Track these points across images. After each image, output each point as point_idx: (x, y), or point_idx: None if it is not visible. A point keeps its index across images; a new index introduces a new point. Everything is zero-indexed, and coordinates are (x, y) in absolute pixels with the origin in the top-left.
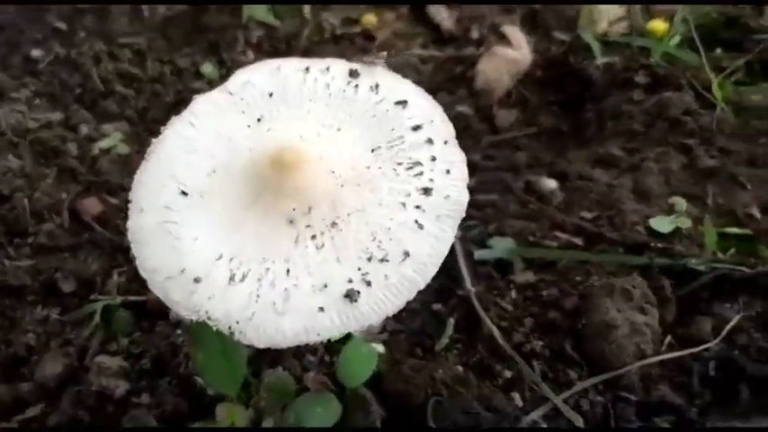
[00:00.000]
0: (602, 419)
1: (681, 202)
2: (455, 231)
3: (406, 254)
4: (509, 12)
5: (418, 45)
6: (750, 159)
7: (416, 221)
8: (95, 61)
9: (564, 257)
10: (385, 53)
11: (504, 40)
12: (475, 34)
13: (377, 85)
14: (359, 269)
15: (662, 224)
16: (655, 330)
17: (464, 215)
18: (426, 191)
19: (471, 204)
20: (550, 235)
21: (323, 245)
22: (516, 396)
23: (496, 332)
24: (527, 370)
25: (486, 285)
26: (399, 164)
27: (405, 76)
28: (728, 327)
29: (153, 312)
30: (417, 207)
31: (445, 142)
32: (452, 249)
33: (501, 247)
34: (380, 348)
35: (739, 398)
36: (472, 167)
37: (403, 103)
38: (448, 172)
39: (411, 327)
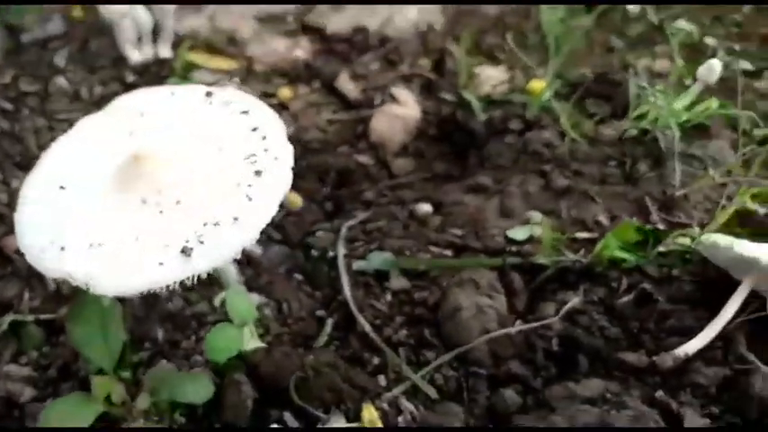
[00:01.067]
0: (456, 391)
1: (536, 215)
2: (279, 202)
3: (236, 219)
4: (408, 80)
5: (329, 111)
6: (601, 178)
7: (247, 196)
8: (35, 133)
9: (433, 265)
10: (237, 79)
11: (394, 100)
12: (377, 101)
13: (227, 101)
14: (195, 232)
15: (518, 233)
16: (500, 312)
17: (288, 191)
18: (258, 173)
19: (361, 231)
20: (425, 249)
21: (168, 217)
22: (381, 377)
23: (368, 328)
24: (392, 355)
25: (365, 291)
26: (239, 155)
27: (312, 135)
28: (567, 307)
29: (63, 328)
30: (249, 186)
31: (276, 139)
32: (336, 264)
33: (379, 259)
34: (257, 342)
35: (578, 368)
36: (367, 204)
37: (246, 112)
38: (276, 159)
39: (294, 329)
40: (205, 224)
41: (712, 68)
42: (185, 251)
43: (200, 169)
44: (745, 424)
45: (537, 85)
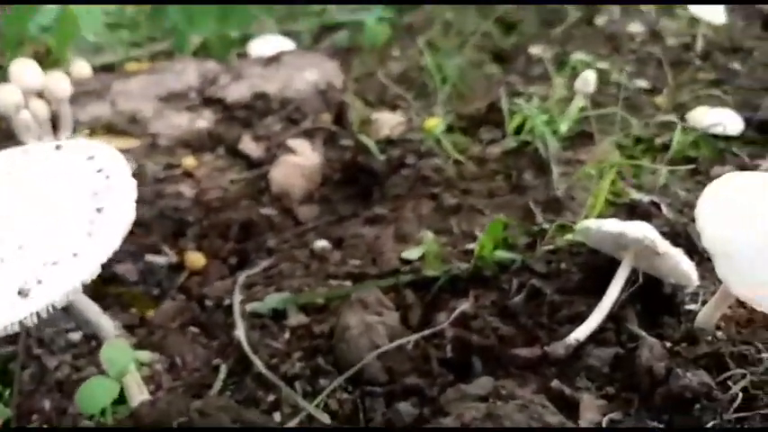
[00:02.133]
0: (352, 413)
1: (428, 235)
2: (122, 235)
3: (75, 255)
4: (311, 134)
5: (233, 173)
6: (489, 193)
7: (88, 232)
8: None
9: (330, 296)
10: (88, 131)
11: (291, 151)
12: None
13: (75, 150)
14: (34, 272)
15: (412, 253)
16: (391, 327)
17: (130, 228)
18: (99, 210)
19: (262, 276)
20: (324, 284)
21: (9, 264)
22: (277, 414)
23: (262, 366)
24: (287, 390)
25: (261, 333)
26: (84, 196)
27: (214, 195)
28: (456, 312)
29: None
30: (91, 222)
31: (118, 178)
32: (231, 311)
33: (275, 299)
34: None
35: (473, 370)
36: (270, 251)
37: (92, 157)
38: (117, 196)
39: (188, 381)
40: (44, 264)
41: (587, 80)
42: (22, 292)
43: (44, 214)
44: (640, 397)
45: (432, 122)
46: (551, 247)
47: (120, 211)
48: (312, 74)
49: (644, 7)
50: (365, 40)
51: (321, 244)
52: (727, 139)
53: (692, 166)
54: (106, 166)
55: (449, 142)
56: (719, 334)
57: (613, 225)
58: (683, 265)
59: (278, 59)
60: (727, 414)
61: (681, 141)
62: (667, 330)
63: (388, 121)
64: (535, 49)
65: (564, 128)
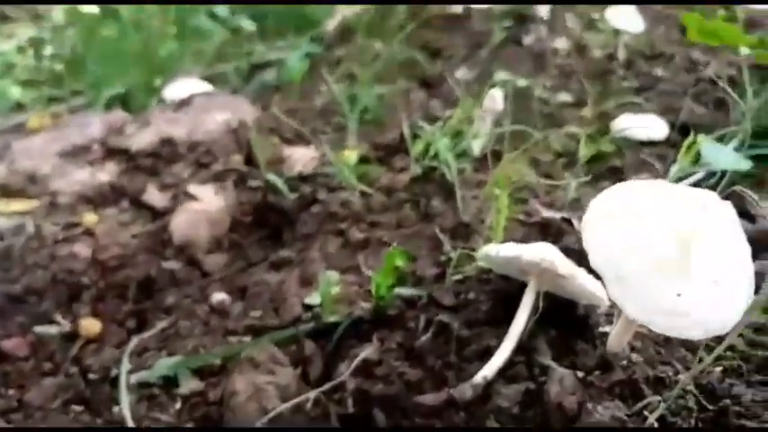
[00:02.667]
0: None
1: (330, 276)
2: None
3: None
4: (222, 178)
5: (137, 226)
6: (398, 223)
7: None
8: None
9: (225, 356)
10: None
11: (192, 198)
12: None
13: None
14: None
15: (315, 298)
16: (283, 387)
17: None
18: None
19: (156, 339)
20: (222, 342)
21: None
22: None
23: None
24: None
25: (149, 404)
26: None
27: (113, 253)
28: (356, 361)
29: None
30: None
31: None
32: (117, 382)
33: (164, 365)
34: None
35: (374, 423)
36: (168, 309)
37: None
38: None
39: None
40: None
41: (494, 98)
42: None
43: None
44: None
45: (346, 154)
46: (460, 276)
47: None
48: (223, 114)
49: (570, 23)
50: (285, 77)
51: (219, 297)
52: (653, 144)
53: (594, 178)
54: None
55: (360, 174)
56: (635, 357)
57: (509, 249)
58: (588, 286)
59: (188, 102)
60: None
61: (602, 151)
62: (581, 357)
63: (302, 157)
64: (460, 73)
65: (476, 148)
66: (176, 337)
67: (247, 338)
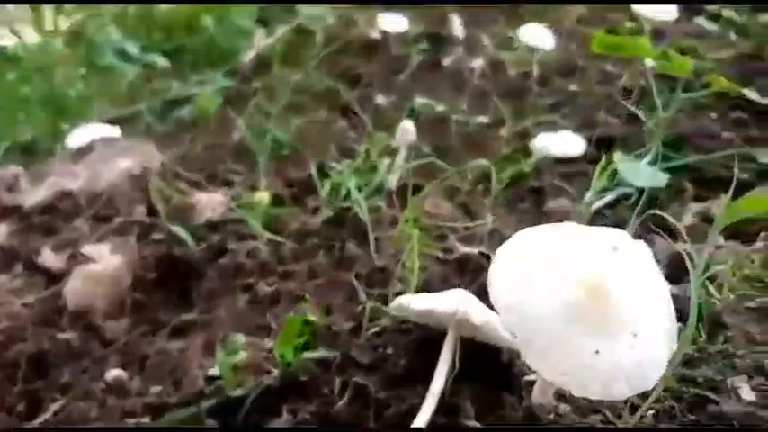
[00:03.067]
0: None
1: (240, 339)
2: None
3: None
4: (124, 231)
5: (32, 293)
6: (311, 272)
7: None
8: None
9: None
10: None
11: (87, 260)
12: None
13: None
14: None
15: (218, 369)
16: None
17: None
18: None
19: (53, 423)
20: (121, 425)
21: None
22: None
23: None
24: None
25: None
26: None
27: (1, 326)
28: None
29: None
30: None
31: None
32: None
33: None
34: None
35: None
36: (63, 388)
37: None
38: None
39: None
40: None
41: (406, 130)
42: None
43: None
44: None
45: (257, 196)
46: (377, 328)
47: None
48: (126, 161)
49: (486, 41)
50: (197, 113)
51: (115, 373)
52: (572, 161)
53: (512, 202)
54: None
55: (270, 218)
56: (563, 407)
57: (421, 302)
58: (507, 333)
59: (88, 150)
60: None
61: (522, 171)
62: (508, 412)
63: (210, 202)
64: (380, 99)
65: (393, 182)
66: (69, 423)
67: (146, 419)
